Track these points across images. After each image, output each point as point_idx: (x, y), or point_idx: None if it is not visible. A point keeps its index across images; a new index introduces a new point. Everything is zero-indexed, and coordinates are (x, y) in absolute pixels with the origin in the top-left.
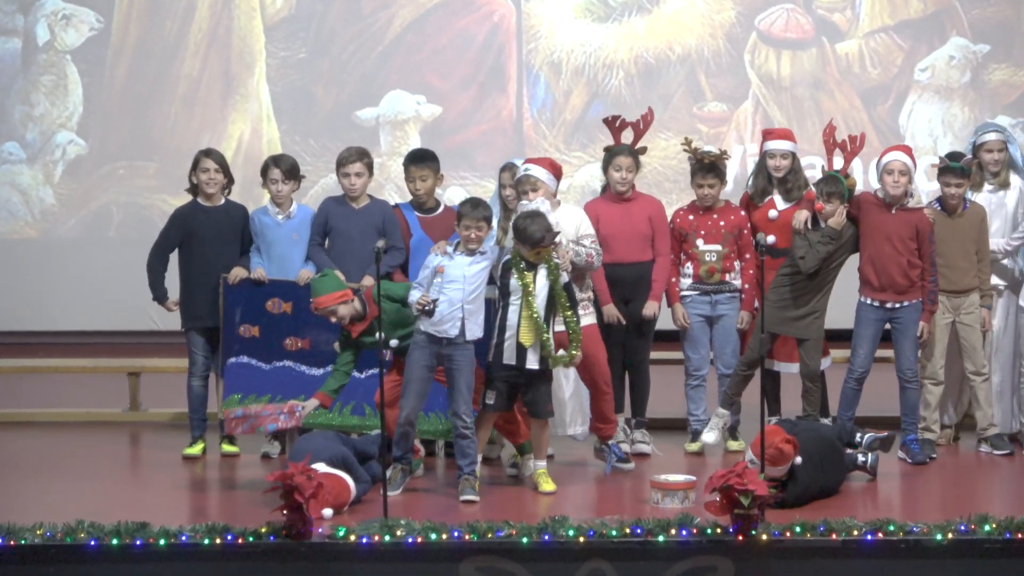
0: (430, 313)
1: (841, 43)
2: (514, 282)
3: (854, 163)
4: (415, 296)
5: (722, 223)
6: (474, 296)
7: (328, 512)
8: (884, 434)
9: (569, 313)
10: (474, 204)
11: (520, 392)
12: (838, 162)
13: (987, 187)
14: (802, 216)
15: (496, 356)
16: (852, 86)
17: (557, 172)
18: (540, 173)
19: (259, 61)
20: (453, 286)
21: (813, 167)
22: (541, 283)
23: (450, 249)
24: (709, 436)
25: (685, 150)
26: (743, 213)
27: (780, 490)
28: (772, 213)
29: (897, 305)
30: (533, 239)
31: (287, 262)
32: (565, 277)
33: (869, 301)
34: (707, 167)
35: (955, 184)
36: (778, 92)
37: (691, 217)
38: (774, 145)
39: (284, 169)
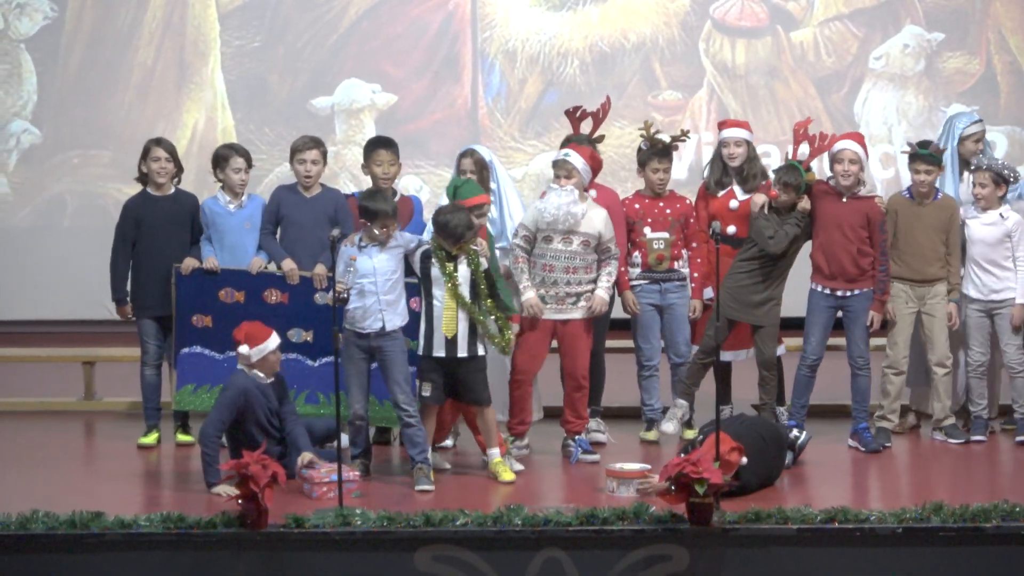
0: (344, 301)
1: (796, 31)
2: (435, 272)
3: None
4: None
5: (668, 211)
6: (389, 287)
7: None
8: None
9: (490, 302)
10: (383, 199)
11: (456, 382)
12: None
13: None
14: (760, 199)
15: (427, 349)
16: (807, 74)
17: (596, 166)
18: (578, 162)
19: (213, 50)
20: (366, 280)
21: (768, 155)
22: (463, 271)
23: (357, 239)
24: (668, 426)
25: (643, 135)
26: (689, 201)
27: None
28: (733, 203)
29: (848, 293)
30: (455, 235)
31: (239, 251)
32: (484, 264)
33: (820, 289)
34: (661, 151)
35: (924, 171)
36: (733, 80)
37: (637, 206)
38: (728, 133)
39: (245, 156)
